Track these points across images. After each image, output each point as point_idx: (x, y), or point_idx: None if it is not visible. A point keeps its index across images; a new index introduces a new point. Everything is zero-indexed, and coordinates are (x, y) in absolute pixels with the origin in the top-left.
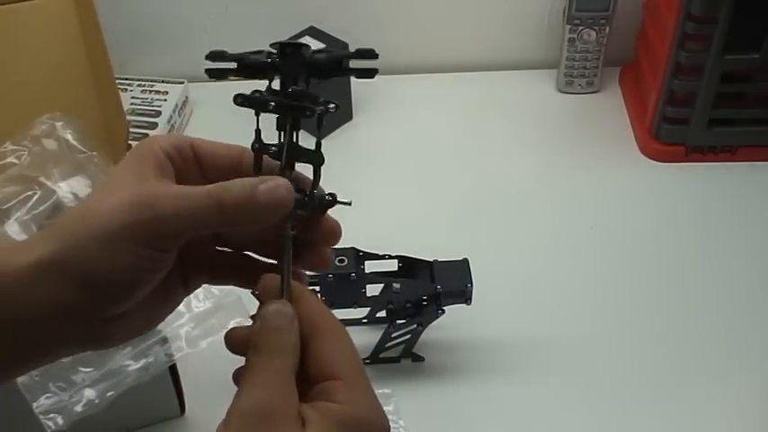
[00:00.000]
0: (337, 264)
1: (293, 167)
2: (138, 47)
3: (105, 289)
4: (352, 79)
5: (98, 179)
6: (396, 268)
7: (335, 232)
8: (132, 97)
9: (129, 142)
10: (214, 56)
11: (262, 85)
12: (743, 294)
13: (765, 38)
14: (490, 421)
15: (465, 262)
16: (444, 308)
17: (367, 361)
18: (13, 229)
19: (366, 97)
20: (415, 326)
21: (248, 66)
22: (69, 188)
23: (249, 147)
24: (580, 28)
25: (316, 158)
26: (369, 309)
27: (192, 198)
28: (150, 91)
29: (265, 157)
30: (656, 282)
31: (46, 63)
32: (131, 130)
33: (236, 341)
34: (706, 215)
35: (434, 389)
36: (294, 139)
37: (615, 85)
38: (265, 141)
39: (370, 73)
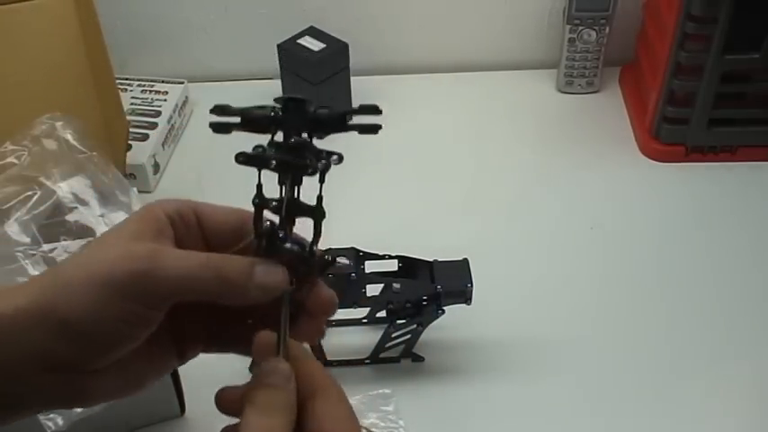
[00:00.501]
0: (337, 264)
1: (294, 222)
2: (138, 47)
3: (87, 339)
4: (352, 79)
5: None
6: (396, 268)
7: (331, 304)
8: (132, 97)
9: (129, 142)
10: (218, 110)
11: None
12: (743, 294)
13: (765, 38)
14: (490, 421)
15: (465, 262)
16: (444, 308)
17: (367, 361)
18: (13, 229)
19: (366, 97)
20: (415, 326)
21: (252, 120)
22: (69, 188)
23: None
24: (580, 28)
25: (317, 213)
26: (369, 309)
27: (190, 262)
28: (150, 91)
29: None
30: (657, 282)
31: (46, 63)
32: (131, 130)
33: (227, 401)
34: (706, 215)
35: (434, 389)
36: (295, 195)
37: (615, 85)
38: (267, 195)
39: (373, 129)
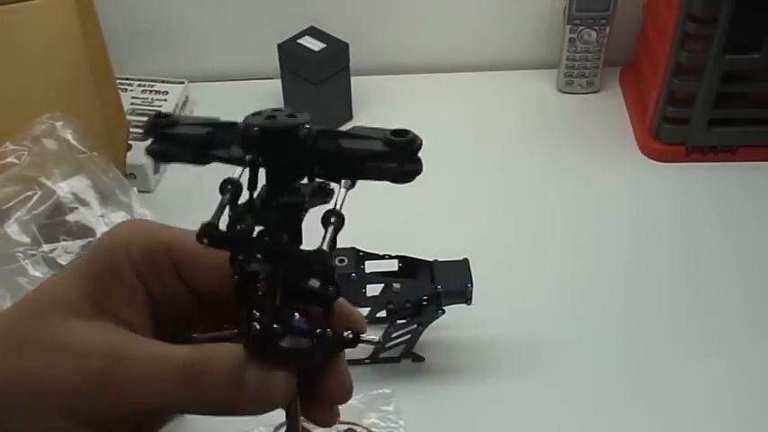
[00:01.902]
0: (337, 264)
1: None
2: (138, 47)
3: None
4: (352, 79)
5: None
6: (396, 268)
7: (345, 390)
8: (132, 97)
9: (130, 142)
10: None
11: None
12: (743, 294)
13: (765, 38)
14: (490, 421)
15: (465, 262)
16: (444, 308)
17: (367, 361)
18: (13, 230)
19: (366, 97)
20: (415, 326)
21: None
22: (69, 188)
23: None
24: (580, 28)
25: (323, 297)
26: (369, 309)
27: (161, 370)
28: (150, 91)
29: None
30: (656, 281)
31: (46, 63)
32: (131, 130)
33: None
34: (706, 215)
35: (434, 389)
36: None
37: (615, 85)
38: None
39: (408, 176)
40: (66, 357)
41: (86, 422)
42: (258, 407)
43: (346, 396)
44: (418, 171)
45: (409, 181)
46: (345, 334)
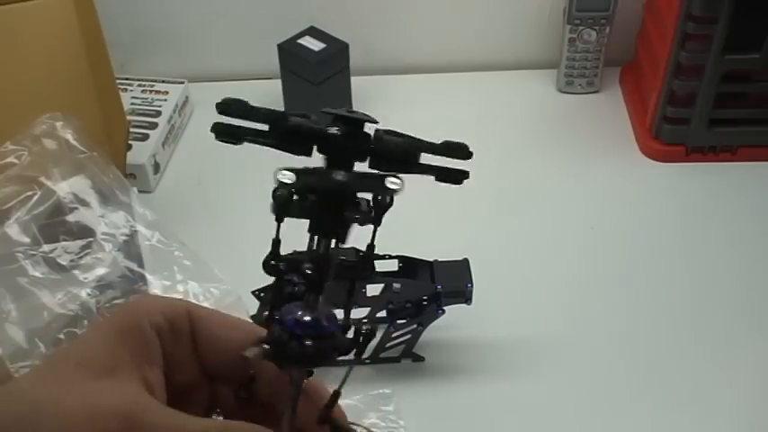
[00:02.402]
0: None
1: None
2: (138, 47)
3: None
4: (352, 79)
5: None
6: (396, 268)
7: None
8: (132, 97)
9: (130, 142)
10: (224, 107)
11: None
12: (743, 294)
13: (765, 38)
14: (490, 421)
15: (465, 262)
16: (444, 308)
17: (367, 361)
18: (13, 230)
19: (366, 97)
20: (415, 326)
21: (284, 133)
22: (69, 188)
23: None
24: (580, 28)
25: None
26: (369, 309)
27: None
28: (150, 91)
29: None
30: (656, 281)
31: (46, 63)
32: (131, 130)
33: None
34: (706, 215)
35: (434, 389)
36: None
37: (615, 85)
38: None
39: (458, 178)
40: (86, 418)
41: None
42: None
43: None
44: (468, 174)
45: (461, 180)
46: (364, 329)
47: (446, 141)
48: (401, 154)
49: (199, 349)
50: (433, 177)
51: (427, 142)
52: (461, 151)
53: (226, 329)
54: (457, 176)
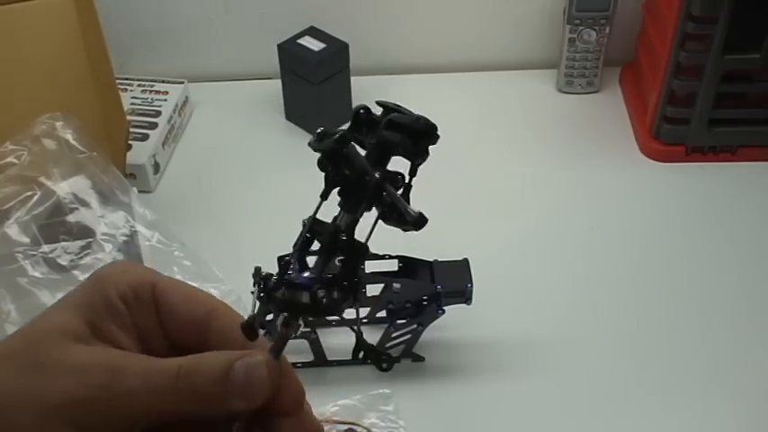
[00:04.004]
0: (337, 264)
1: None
2: (139, 47)
3: None
4: (352, 79)
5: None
6: (396, 268)
7: (299, 401)
8: (132, 97)
9: (129, 142)
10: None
11: None
12: (743, 294)
13: (765, 38)
14: (490, 421)
15: (465, 262)
16: (444, 308)
17: (367, 361)
18: (13, 230)
19: (366, 97)
20: (415, 326)
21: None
22: (69, 188)
23: (219, 298)
24: (580, 28)
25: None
26: (369, 309)
27: (156, 378)
28: (150, 91)
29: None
30: (656, 282)
31: (46, 63)
32: (131, 130)
33: None
34: (706, 215)
35: (434, 389)
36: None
37: (615, 85)
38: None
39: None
40: (69, 374)
41: (89, 428)
42: (245, 400)
43: (301, 399)
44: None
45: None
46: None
47: (418, 118)
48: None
49: (162, 320)
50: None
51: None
52: (429, 132)
53: (187, 302)
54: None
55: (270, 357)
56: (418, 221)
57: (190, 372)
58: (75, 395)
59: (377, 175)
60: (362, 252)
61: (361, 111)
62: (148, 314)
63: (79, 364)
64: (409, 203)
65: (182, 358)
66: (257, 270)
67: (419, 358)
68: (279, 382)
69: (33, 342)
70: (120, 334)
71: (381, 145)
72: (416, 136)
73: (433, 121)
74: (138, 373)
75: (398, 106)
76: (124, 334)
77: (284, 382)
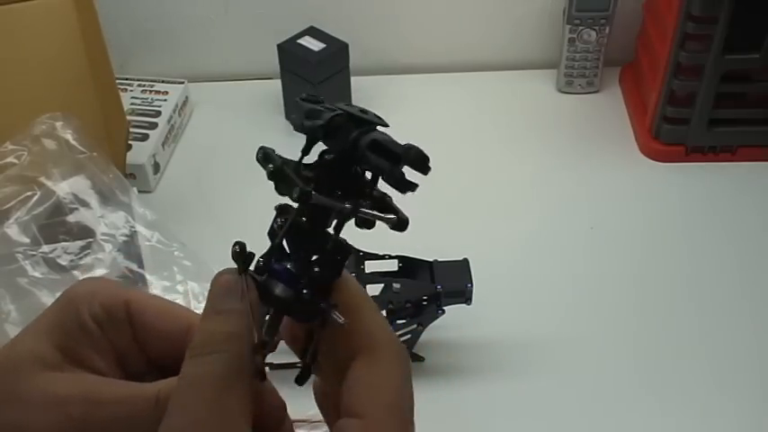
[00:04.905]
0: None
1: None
2: (138, 47)
3: None
4: (352, 79)
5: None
6: (396, 268)
7: (280, 417)
8: (132, 97)
9: (129, 142)
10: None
11: None
12: (742, 294)
13: (765, 38)
14: (490, 421)
15: (465, 262)
16: (444, 308)
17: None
18: (13, 230)
19: (366, 97)
20: (415, 326)
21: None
22: (69, 188)
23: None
24: (580, 28)
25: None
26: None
27: (135, 405)
28: (150, 91)
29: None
30: (656, 282)
31: (46, 63)
32: (131, 130)
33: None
34: (706, 215)
35: (434, 389)
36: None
37: (615, 85)
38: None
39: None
40: (45, 405)
41: None
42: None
43: (282, 415)
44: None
45: (405, 190)
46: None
47: (410, 148)
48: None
49: (139, 339)
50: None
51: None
52: (422, 164)
53: (163, 319)
54: (404, 186)
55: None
56: (398, 225)
57: (169, 397)
58: (54, 427)
59: (347, 205)
60: (347, 253)
61: (326, 156)
62: (123, 333)
63: (56, 395)
64: (390, 204)
65: (160, 382)
66: (242, 248)
67: (419, 358)
68: (260, 402)
69: (4, 373)
70: (95, 357)
71: (360, 162)
72: (413, 165)
73: (424, 151)
74: (116, 402)
75: (363, 112)
76: (99, 356)
77: (264, 400)
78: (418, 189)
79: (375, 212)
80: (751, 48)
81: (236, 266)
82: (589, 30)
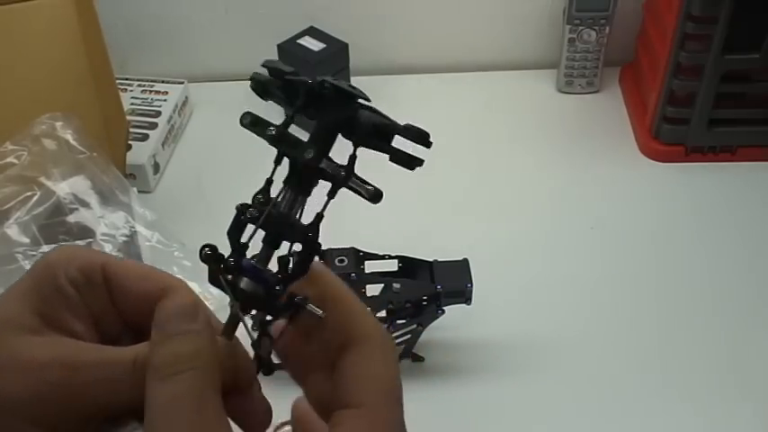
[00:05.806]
0: (337, 264)
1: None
2: (138, 47)
3: None
4: (352, 79)
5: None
6: (396, 268)
7: (249, 380)
8: (132, 97)
9: (129, 142)
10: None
11: None
12: (742, 294)
13: (765, 38)
14: (490, 421)
15: (465, 262)
16: (444, 308)
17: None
18: (13, 230)
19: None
20: (415, 326)
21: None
22: (69, 188)
23: (175, 275)
24: (580, 28)
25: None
26: (369, 309)
27: (113, 369)
28: (150, 91)
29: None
30: (656, 282)
31: (46, 63)
32: (131, 130)
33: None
34: (706, 215)
35: (434, 389)
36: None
37: (615, 85)
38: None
39: (417, 162)
40: (24, 370)
41: (51, 427)
42: None
43: (251, 378)
44: (422, 162)
45: (413, 166)
46: (296, 298)
47: (409, 125)
48: (371, 129)
49: (115, 302)
50: (388, 157)
51: (398, 126)
52: (422, 138)
53: (140, 280)
54: (411, 162)
55: (222, 339)
56: (375, 196)
57: (146, 360)
58: (32, 392)
59: (343, 173)
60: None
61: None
62: (100, 297)
63: (34, 360)
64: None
65: (137, 346)
66: (214, 250)
67: (419, 358)
68: (232, 363)
69: None
70: (73, 321)
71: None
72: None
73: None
74: (94, 366)
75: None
76: (77, 320)
77: (234, 362)
78: (418, 189)
79: (358, 181)
80: (751, 48)
81: (176, 294)
82: (589, 30)
